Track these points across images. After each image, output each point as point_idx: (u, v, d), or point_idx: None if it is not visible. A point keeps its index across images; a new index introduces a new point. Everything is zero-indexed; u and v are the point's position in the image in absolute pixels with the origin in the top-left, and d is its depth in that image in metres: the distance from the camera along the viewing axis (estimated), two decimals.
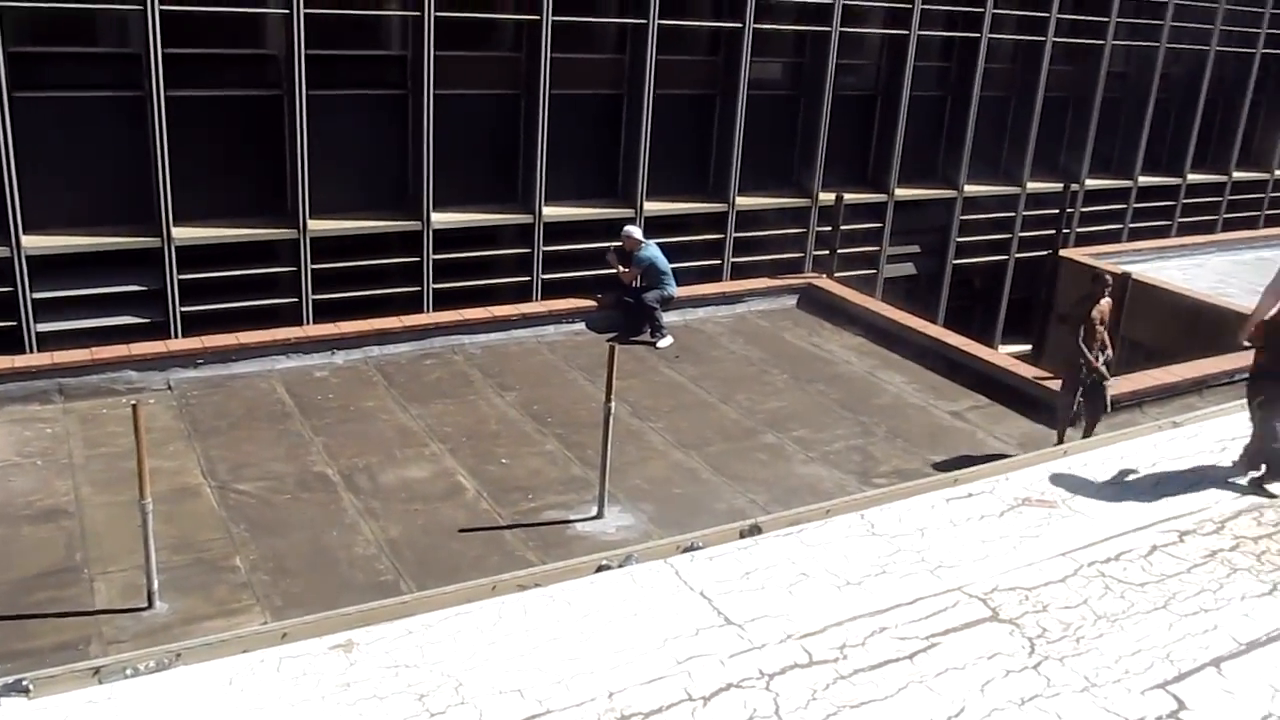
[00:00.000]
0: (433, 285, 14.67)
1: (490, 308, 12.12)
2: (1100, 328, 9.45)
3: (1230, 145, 24.10)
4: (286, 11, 12.67)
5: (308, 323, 13.19)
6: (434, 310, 13.98)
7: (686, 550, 5.84)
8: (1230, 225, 23.75)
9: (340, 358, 10.81)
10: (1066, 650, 5.08)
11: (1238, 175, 24.40)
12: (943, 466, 8.69)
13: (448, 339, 11.43)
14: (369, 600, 5.57)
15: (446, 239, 14.74)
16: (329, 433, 9.20)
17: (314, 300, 13.80)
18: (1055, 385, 10.65)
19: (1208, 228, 23.27)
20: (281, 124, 13.40)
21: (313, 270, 13.74)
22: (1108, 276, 9.95)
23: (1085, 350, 9.28)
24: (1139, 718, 4.65)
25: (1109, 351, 9.54)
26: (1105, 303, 9.58)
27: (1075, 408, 9.47)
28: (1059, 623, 5.30)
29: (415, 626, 5.03)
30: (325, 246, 13.85)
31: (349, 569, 7.18)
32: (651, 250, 12.32)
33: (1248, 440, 7.25)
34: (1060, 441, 9.03)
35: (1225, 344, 11.02)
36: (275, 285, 13.72)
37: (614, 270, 12.59)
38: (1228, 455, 7.45)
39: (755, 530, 6.06)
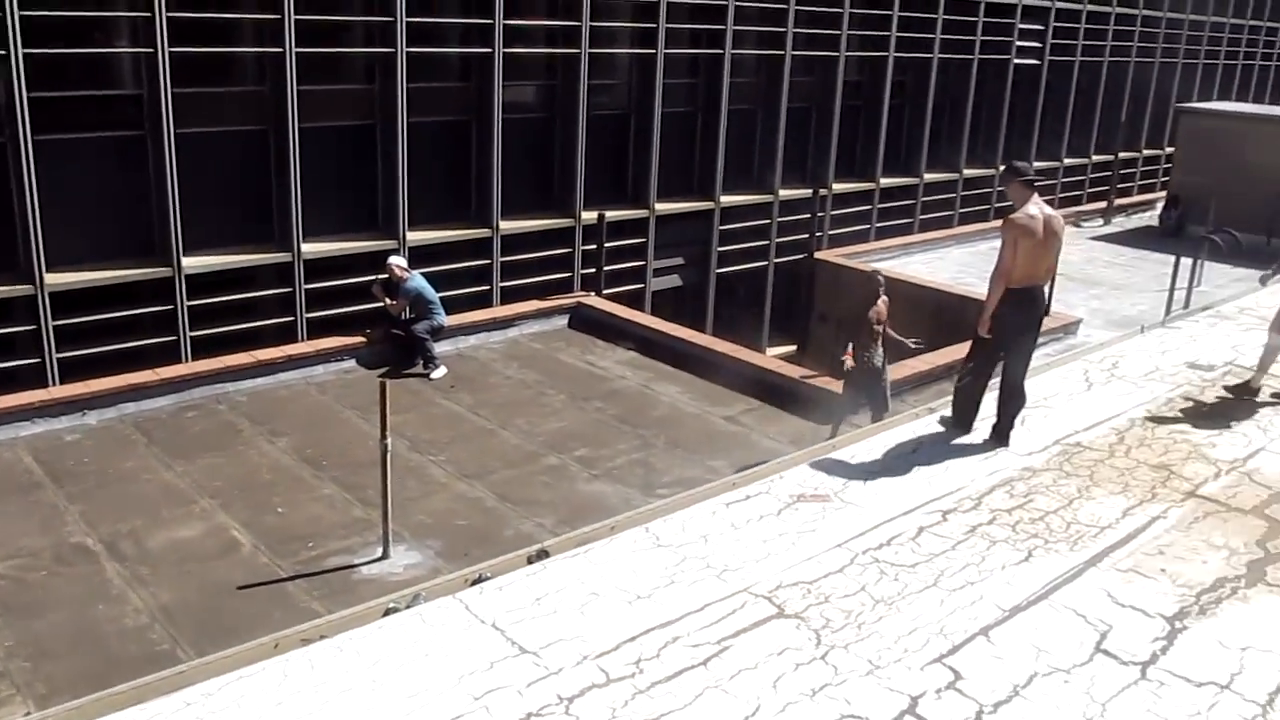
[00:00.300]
0: (189, 333, 13.98)
1: (253, 352, 11.67)
2: (877, 327, 10.11)
3: (959, 145, 25.82)
4: (4, 53, 11.82)
5: (53, 384, 12.32)
6: (193, 360, 13.30)
7: (475, 583, 5.77)
8: (965, 219, 25.42)
9: (93, 418, 10.16)
10: (850, 637, 5.29)
11: (968, 172, 26.15)
12: (721, 471, 8.92)
13: (210, 389, 10.92)
14: (144, 674, 5.24)
15: (201, 284, 14.08)
16: (86, 499, 8.62)
17: (59, 359, 12.91)
18: (822, 383, 11.14)
19: (945, 223, 24.83)
20: (7, 172, 12.50)
21: (55, 327, 12.85)
22: (880, 276, 10.53)
23: (868, 345, 10.08)
24: (920, 692, 4.88)
25: (880, 349, 10.11)
26: (882, 301, 10.16)
27: (858, 402, 10.14)
28: (841, 612, 5.51)
29: (194, 697, 4.76)
30: (67, 300, 12.97)
31: (120, 643, 6.74)
32: (417, 280, 12.16)
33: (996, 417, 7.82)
34: (833, 436, 9.45)
35: (968, 330, 11.78)
36: (12, 347, 12.75)
37: (381, 304, 12.35)
38: (979, 435, 7.95)
39: (543, 555, 6.05)
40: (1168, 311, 13.81)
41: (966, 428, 8.01)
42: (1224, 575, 6.08)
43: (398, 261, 12.38)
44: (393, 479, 7.77)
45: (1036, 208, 7.51)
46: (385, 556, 7.82)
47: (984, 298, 7.64)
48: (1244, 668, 5.20)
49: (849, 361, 10.08)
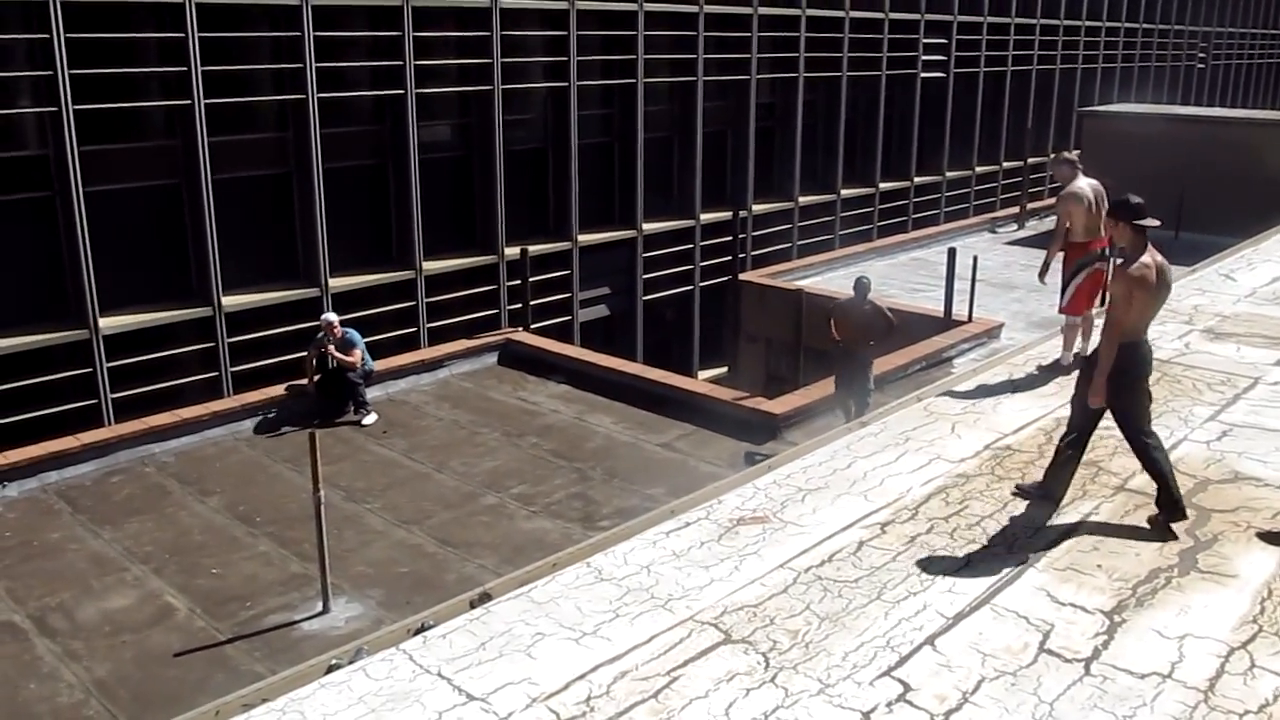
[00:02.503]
0: (110, 396, 13.70)
1: (178, 411, 11.43)
2: (835, 333, 11.06)
3: (873, 160, 26.25)
4: None
5: None
6: (115, 423, 13.01)
7: (418, 632, 5.68)
8: (884, 232, 25.83)
9: (14, 489, 9.87)
10: (798, 658, 5.29)
11: (884, 186, 26.59)
12: (660, 499, 8.91)
13: (135, 451, 10.68)
14: None
15: (120, 344, 13.81)
16: (10, 575, 8.37)
17: None
18: (754, 404, 11.24)
19: (864, 236, 25.21)
20: None
21: None
22: (866, 279, 11.40)
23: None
24: (871, 707, 4.89)
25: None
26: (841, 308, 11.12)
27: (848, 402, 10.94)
28: (787, 633, 5.52)
29: None
30: None
31: None
32: (350, 330, 12.00)
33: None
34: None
35: (894, 341, 11.96)
36: None
37: (329, 365, 11.80)
38: (911, 445, 8.04)
39: (485, 598, 5.98)
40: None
41: (1053, 499, 7.05)
42: (1158, 566, 6.19)
43: (330, 318, 11.96)
44: (329, 531, 7.65)
45: (1150, 256, 6.60)
46: (326, 611, 7.69)
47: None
48: (1184, 656, 5.30)
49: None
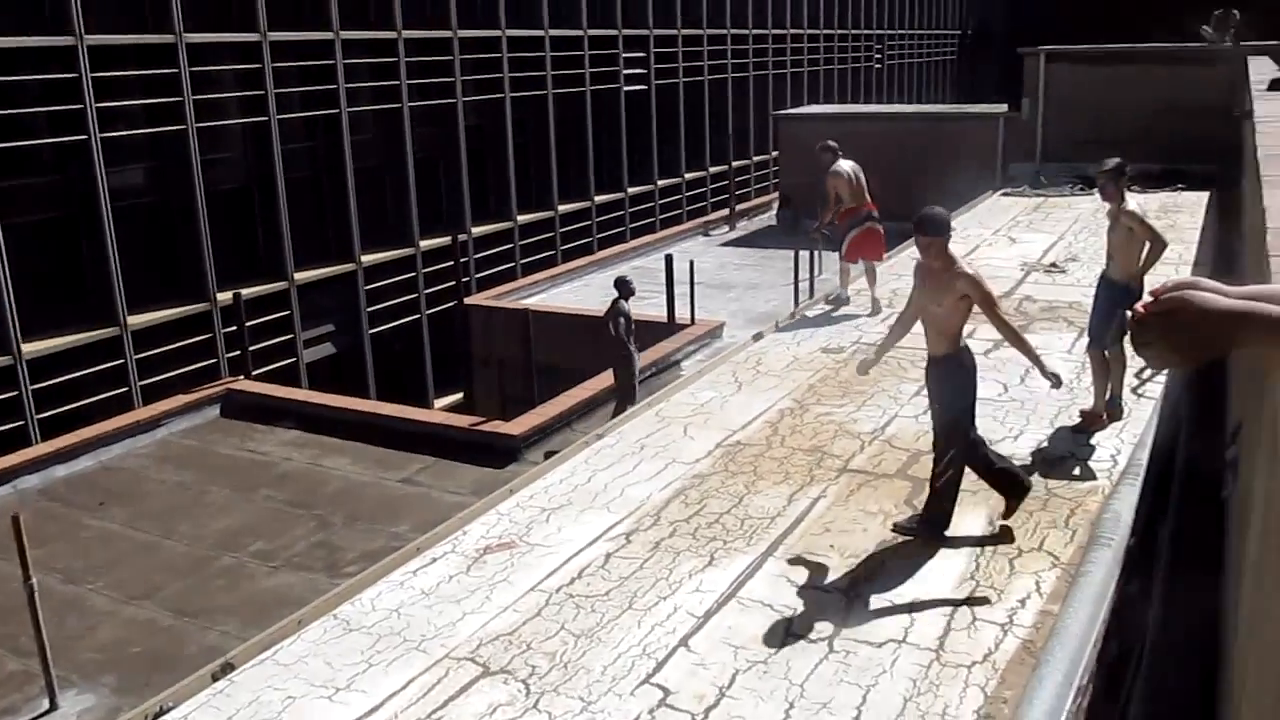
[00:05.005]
0: None
1: None
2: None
3: (586, 174, 26.74)
4: None
5: None
6: None
7: (157, 716, 5.33)
8: (604, 244, 26.35)
9: None
10: (558, 679, 5.31)
11: (599, 199, 27.13)
12: (406, 537, 8.73)
13: None
14: None
15: None
16: None
17: None
18: (492, 428, 11.22)
19: (585, 250, 25.62)
20: None
21: None
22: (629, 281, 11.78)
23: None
24: (634, 718, 4.97)
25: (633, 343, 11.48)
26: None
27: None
28: (545, 656, 5.52)
29: None
30: None
31: None
32: None
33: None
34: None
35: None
36: None
37: None
38: (647, 452, 8.23)
39: (228, 668, 5.67)
40: (796, 303, 14.85)
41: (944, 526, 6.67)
42: (884, 539, 6.60)
43: None
44: (47, 619, 7.06)
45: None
46: (54, 708, 7.09)
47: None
48: (915, 620, 5.67)
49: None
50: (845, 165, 11.95)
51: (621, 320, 11.31)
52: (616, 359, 11.42)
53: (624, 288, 11.57)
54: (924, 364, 6.56)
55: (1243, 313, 1.40)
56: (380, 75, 20.54)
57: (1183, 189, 17.59)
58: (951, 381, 6.37)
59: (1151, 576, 5.65)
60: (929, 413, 6.77)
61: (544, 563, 6.56)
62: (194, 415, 12.89)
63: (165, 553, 9.43)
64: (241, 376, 13.97)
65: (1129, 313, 1.49)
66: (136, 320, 16.26)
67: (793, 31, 36.96)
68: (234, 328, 15.39)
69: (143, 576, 8.98)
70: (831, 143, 12.13)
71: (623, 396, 11.28)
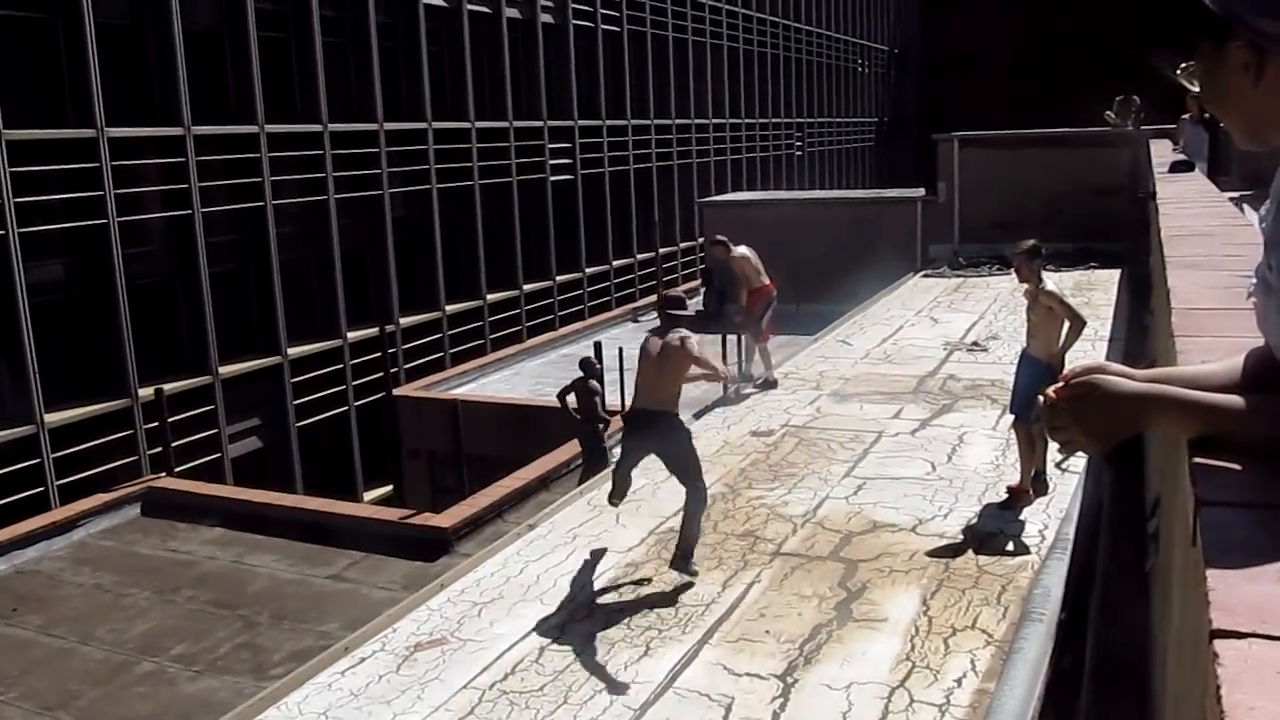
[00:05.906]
0: None
1: None
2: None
3: (514, 263, 26.85)
4: None
5: None
6: None
7: None
8: (533, 331, 26.36)
9: None
10: None
11: (528, 287, 27.20)
12: (335, 635, 8.51)
13: None
14: None
15: None
16: None
17: None
18: (423, 520, 11.06)
19: (515, 338, 25.62)
20: None
21: None
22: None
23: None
24: None
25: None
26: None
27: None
28: None
29: None
30: None
31: None
32: None
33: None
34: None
35: (553, 440, 12.16)
36: None
37: None
38: (580, 541, 8.16)
39: None
40: (724, 389, 14.93)
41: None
42: (819, 622, 6.58)
43: None
44: None
45: (657, 338, 7.88)
46: None
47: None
48: (852, 704, 5.64)
49: None
50: (746, 250, 12.67)
51: (597, 400, 11.59)
52: (590, 435, 11.53)
53: (590, 368, 11.80)
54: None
55: (1150, 396, 1.44)
56: (306, 168, 20.53)
57: (1095, 267, 18.12)
58: None
59: (1084, 650, 5.69)
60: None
61: (476, 658, 6.43)
62: (113, 514, 12.52)
63: (81, 659, 9.08)
64: (164, 473, 13.64)
65: (1040, 398, 1.52)
66: (54, 418, 15.86)
67: (715, 121, 37.76)
68: (156, 423, 15.04)
69: (57, 686, 8.63)
70: (720, 237, 13.08)
71: (591, 461, 11.32)
